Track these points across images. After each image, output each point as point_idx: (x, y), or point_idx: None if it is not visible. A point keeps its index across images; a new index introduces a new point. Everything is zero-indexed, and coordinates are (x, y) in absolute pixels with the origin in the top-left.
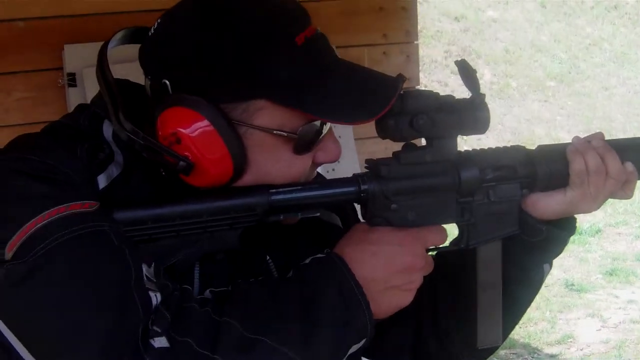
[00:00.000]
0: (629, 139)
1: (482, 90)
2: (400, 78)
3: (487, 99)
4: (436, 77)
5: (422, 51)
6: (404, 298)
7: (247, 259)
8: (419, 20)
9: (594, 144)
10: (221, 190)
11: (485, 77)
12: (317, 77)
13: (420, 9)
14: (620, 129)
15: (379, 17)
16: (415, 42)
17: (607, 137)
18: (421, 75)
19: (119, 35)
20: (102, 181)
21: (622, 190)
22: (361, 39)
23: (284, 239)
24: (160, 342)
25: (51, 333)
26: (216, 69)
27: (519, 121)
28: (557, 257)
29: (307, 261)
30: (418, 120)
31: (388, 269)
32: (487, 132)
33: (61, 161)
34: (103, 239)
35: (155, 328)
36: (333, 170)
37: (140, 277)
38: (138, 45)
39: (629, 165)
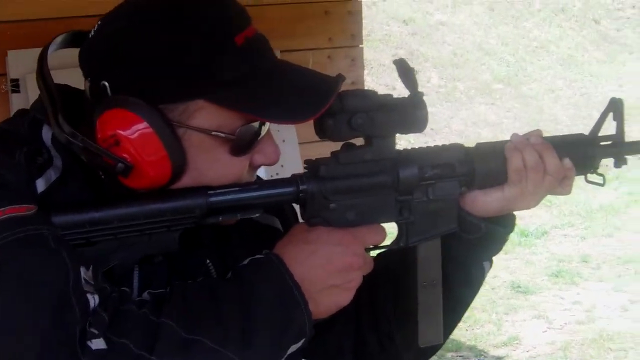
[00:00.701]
0: (567, 135)
1: (430, 93)
2: (340, 78)
3: (435, 102)
4: (384, 81)
5: (370, 55)
6: (344, 297)
7: (187, 261)
8: (367, 24)
9: (532, 141)
10: (159, 193)
11: (432, 81)
12: (256, 77)
13: (368, 12)
14: (566, 131)
15: (324, 21)
16: (360, 45)
17: None
18: (369, 78)
19: (59, 39)
20: (40, 185)
21: (561, 187)
22: (306, 43)
23: (223, 243)
24: (98, 343)
25: None
26: (154, 70)
27: (465, 124)
28: (504, 259)
29: (245, 262)
30: (357, 119)
31: (327, 268)
32: (434, 135)
33: None
34: (41, 243)
35: (92, 330)
36: (277, 174)
37: (78, 280)
38: (78, 50)
39: (567, 162)
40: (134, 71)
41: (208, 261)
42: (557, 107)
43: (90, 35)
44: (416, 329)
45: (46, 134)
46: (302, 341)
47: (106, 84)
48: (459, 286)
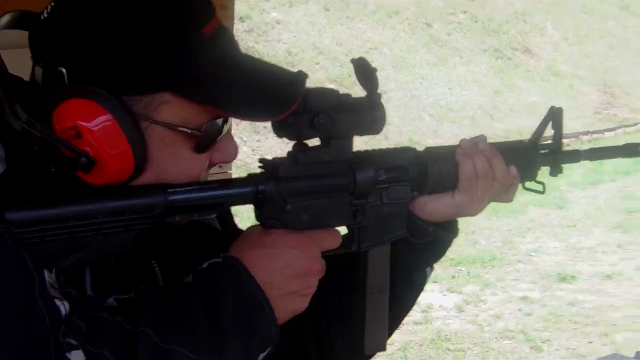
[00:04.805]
0: (510, 142)
1: None
2: (303, 75)
3: None
4: None
5: None
6: (301, 303)
7: (136, 262)
8: None
9: (481, 147)
10: (117, 190)
11: None
12: (226, 71)
13: None
14: (396, 132)
15: None
16: None
17: (382, 140)
18: None
19: (4, 19)
20: None
21: (505, 194)
22: None
23: (165, 242)
24: (77, 355)
25: None
26: (118, 58)
27: None
28: None
29: (204, 265)
30: (319, 119)
31: (286, 273)
32: (266, 133)
33: None
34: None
35: (70, 340)
36: None
37: (43, 284)
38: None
39: (513, 169)
40: (94, 59)
41: (153, 261)
42: (389, 108)
43: (42, 17)
44: (362, 336)
45: None
46: (269, 348)
47: (63, 70)
48: (404, 292)
